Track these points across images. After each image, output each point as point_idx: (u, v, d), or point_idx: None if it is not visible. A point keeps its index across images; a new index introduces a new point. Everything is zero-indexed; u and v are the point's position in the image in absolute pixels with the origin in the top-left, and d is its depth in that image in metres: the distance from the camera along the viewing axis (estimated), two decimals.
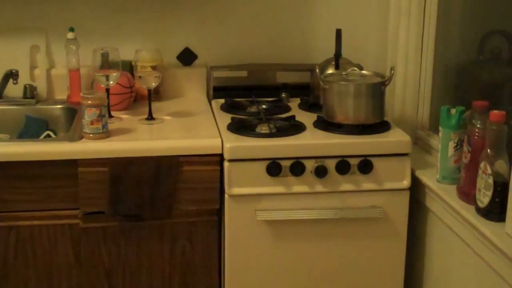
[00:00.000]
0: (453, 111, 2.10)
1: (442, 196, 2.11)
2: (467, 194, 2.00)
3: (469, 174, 1.98)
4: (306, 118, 2.44)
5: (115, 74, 2.39)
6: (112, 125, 2.34)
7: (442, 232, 2.18)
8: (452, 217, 2.07)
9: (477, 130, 1.94)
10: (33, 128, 2.56)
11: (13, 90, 2.64)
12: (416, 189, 2.29)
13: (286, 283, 2.31)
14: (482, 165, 1.87)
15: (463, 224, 1.99)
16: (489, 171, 1.84)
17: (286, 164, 2.20)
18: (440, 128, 2.14)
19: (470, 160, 1.97)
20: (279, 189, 2.22)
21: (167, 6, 2.76)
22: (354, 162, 2.22)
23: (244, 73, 2.77)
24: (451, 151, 2.12)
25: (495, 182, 1.83)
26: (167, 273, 2.33)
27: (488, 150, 1.85)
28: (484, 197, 1.88)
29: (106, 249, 2.28)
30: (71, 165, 2.18)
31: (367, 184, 2.25)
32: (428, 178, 2.22)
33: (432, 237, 2.29)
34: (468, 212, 1.95)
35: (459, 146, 2.10)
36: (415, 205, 2.31)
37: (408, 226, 2.31)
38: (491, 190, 1.84)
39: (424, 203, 2.27)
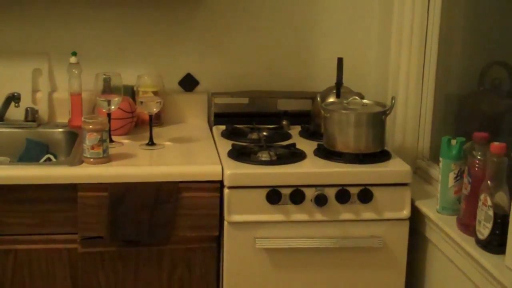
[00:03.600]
0: (453, 142, 2.11)
1: (442, 227, 2.10)
2: (467, 226, 1.99)
3: (469, 206, 1.98)
4: (307, 146, 2.44)
5: (116, 99, 2.39)
6: (113, 150, 2.34)
7: (442, 263, 2.17)
8: (451, 248, 2.06)
9: (477, 161, 1.94)
10: (33, 152, 2.56)
11: (15, 113, 2.65)
12: (416, 220, 2.28)
13: None
14: (482, 196, 1.87)
15: (463, 256, 1.98)
16: (489, 203, 1.84)
17: (286, 192, 2.20)
18: (440, 158, 2.14)
19: (470, 191, 1.97)
20: (279, 217, 2.21)
21: (169, 32, 2.78)
22: (354, 191, 2.22)
23: (245, 100, 2.78)
24: (451, 182, 2.12)
25: (495, 214, 1.83)
26: None
27: (489, 182, 1.85)
28: (484, 229, 1.87)
29: (104, 274, 2.26)
30: (70, 189, 2.18)
31: (366, 213, 2.24)
32: (428, 209, 2.22)
33: (431, 267, 2.28)
34: (467, 243, 1.94)
35: (459, 177, 2.10)
36: (414, 235, 2.31)
37: (408, 256, 2.30)
38: (491, 222, 1.84)
39: (424, 234, 2.27)
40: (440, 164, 2.14)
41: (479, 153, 1.94)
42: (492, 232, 1.85)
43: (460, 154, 2.09)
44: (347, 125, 2.30)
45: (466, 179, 2.00)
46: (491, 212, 1.83)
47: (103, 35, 2.75)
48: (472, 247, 1.92)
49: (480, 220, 1.88)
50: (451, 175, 2.11)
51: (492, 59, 2.40)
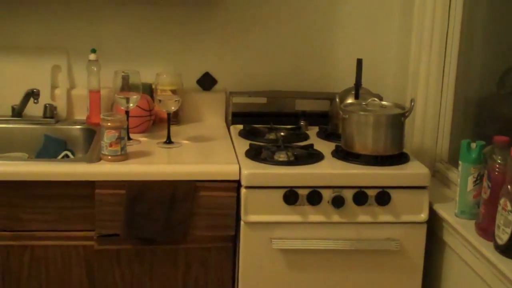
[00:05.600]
0: (473, 145, 2.09)
1: (460, 231, 2.09)
2: (486, 230, 1.97)
3: (489, 210, 1.96)
4: (324, 147, 2.43)
5: (135, 97, 2.39)
6: (131, 147, 2.34)
7: (459, 268, 2.16)
8: (469, 253, 2.05)
9: (497, 165, 1.93)
10: (51, 148, 2.57)
11: (34, 109, 2.65)
12: (434, 223, 2.26)
13: None
14: (502, 201, 1.85)
15: (481, 261, 1.97)
16: (509, 207, 1.82)
17: (303, 192, 2.19)
18: (459, 162, 2.12)
19: (489, 195, 1.95)
20: (296, 217, 2.21)
21: (189, 30, 2.78)
22: (371, 193, 2.21)
23: (263, 100, 2.77)
24: (470, 185, 2.10)
25: None
26: None
27: (509, 186, 1.83)
28: (503, 234, 1.85)
29: (119, 272, 2.27)
30: (88, 186, 2.18)
31: (384, 216, 2.23)
32: (446, 212, 2.20)
33: (448, 272, 2.26)
34: (486, 248, 1.93)
35: (478, 181, 2.08)
36: (432, 239, 2.29)
37: (425, 260, 2.28)
38: (511, 227, 1.82)
39: (442, 238, 2.25)
40: (459, 167, 2.12)
41: (499, 157, 1.92)
42: (511, 237, 1.83)
43: (479, 158, 2.07)
44: (365, 127, 2.29)
45: (485, 183, 1.98)
46: (510, 217, 1.82)
47: (123, 32, 2.75)
48: (491, 252, 1.90)
49: (499, 225, 1.87)
50: (470, 179, 2.09)
51: None
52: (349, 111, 2.33)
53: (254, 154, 2.32)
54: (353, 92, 2.51)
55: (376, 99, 2.39)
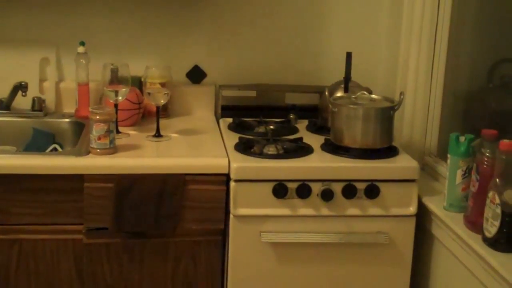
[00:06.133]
0: (462, 138, 2.10)
1: (449, 224, 2.09)
2: (474, 223, 1.98)
3: (477, 203, 1.97)
4: (314, 140, 2.43)
5: (124, 89, 2.39)
6: (120, 141, 2.33)
7: (448, 260, 2.17)
8: (458, 246, 2.05)
9: (486, 159, 1.93)
10: (40, 141, 2.56)
11: (22, 102, 2.64)
12: (423, 216, 2.27)
13: None
14: (490, 194, 1.86)
15: (469, 253, 1.97)
16: (497, 200, 1.83)
17: (292, 186, 2.19)
18: (448, 155, 2.13)
19: (478, 189, 1.96)
20: (285, 211, 2.21)
21: (178, 23, 2.77)
22: (360, 186, 2.21)
23: (253, 93, 2.77)
24: (459, 179, 2.11)
25: (503, 212, 1.82)
26: None
27: (497, 180, 1.84)
28: (491, 227, 1.86)
29: (108, 265, 2.26)
30: (76, 179, 2.17)
31: (373, 209, 2.23)
32: (435, 205, 2.21)
33: (437, 265, 2.27)
34: (474, 241, 1.93)
35: (467, 174, 2.09)
36: (421, 232, 2.30)
37: (413, 253, 2.29)
38: (499, 220, 1.83)
39: (430, 231, 2.26)
40: (448, 160, 2.13)
41: (488, 150, 1.93)
42: (499, 230, 1.84)
43: (468, 151, 2.08)
44: (354, 120, 2.29)
45: (474, 176, 1.99)
46: (499, 210, 1.82)
47: (112, 25, 2.74)
48: (479, 245, 1.91)
49: (488, 218, 1.87)
50: (459, 172, 2.10)
51: (502, 56, 2.38)
52: (339, 104, 2.33)
53: (243, 147, 2.32)
54: (342, 86, 2.51)
55: (365, 92, 2.39)
